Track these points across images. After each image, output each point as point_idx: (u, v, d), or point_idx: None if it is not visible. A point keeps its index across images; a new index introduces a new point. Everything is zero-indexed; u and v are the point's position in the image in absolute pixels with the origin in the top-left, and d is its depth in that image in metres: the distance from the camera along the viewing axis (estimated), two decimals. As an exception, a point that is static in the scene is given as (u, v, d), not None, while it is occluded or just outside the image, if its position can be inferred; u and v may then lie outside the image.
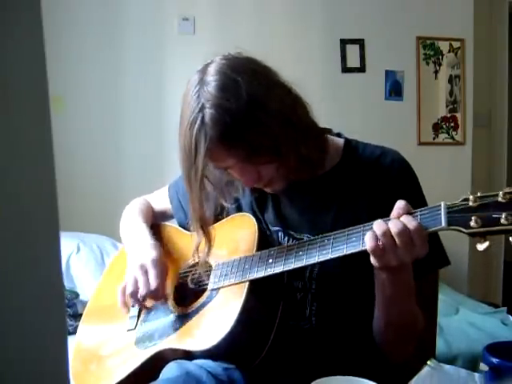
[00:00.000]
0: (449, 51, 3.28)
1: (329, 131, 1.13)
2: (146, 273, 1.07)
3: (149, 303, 1.11)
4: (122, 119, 3.05)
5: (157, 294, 1.07)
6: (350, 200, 1.04)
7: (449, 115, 3.30)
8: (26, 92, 0.43)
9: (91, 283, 2.39)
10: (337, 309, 1.03)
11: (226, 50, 1.02)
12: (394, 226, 0.84)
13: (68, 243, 2.58)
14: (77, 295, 2.27)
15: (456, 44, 3.27)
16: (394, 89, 3.25)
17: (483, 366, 0.86)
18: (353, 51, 3.19)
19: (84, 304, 2.15)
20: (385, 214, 0.88)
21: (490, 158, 3.55)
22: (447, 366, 0.87)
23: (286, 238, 1.07)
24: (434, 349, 1.12)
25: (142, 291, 1.05)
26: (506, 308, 2.44)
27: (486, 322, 2.16)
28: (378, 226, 0.86)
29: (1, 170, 0.41)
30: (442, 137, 3.31)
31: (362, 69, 3.21)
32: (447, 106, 3.30)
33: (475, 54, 3.30)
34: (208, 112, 0.92)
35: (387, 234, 0.84)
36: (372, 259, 0.87)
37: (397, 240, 0.84)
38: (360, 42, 3.18)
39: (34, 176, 0.44)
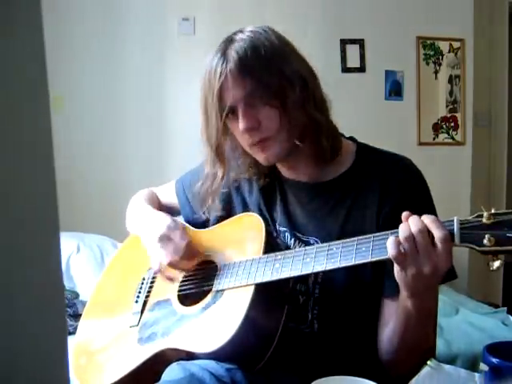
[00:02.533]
0: (449, 51, 3.28)
1: (341, 135, 1.12)
2: (169, 240, 1.08)
3: (187, 265, 1.11)
4: (123, 119, 3.05)
5: (188, 254, 1.08)
6: (359, 206, 1.03)
7: (449, 115, 3.30)
8: (26, 92, 0.43)
9: (91, 283, 2.38)
10: (339, 315, 1.03)
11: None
12: (414, 225, 0.83)
13: (68, 243, 2.58)
14: (77, 295, 2.26)
15: (456, 44, 3.27)
16: (394, 89, 3.25)
17: (483, 366, 0.86)
18: (353, 51, 3.19)
19: (84, 304, 2.16)
20: (394, 222, 0.87)
21: (490, 158, 3.54)
22: (447, 366, 0.87)
23: (293, 240, 1.07)
24: (434, 349, 1.12)
25: (173, 258, 1.07)
26: (506, 308, 2.44)
27: (486, 322, 2.15)
28: (401, 229, 0.84)
29: (0, 170, 0.41)
30: (442, 137, 3.31)
31: (362, 69, 3.21)
32: (447, 106, 3.30)
33: (475, 54, 3.29)
34: (235, 45, 0.98)
35: (409, 237, 0.82)
36: (396, 274, 0.85)
37: (416, 238, 0.82)
38: (360, 42, 3.18)
39: (34, 176, 0.44)
